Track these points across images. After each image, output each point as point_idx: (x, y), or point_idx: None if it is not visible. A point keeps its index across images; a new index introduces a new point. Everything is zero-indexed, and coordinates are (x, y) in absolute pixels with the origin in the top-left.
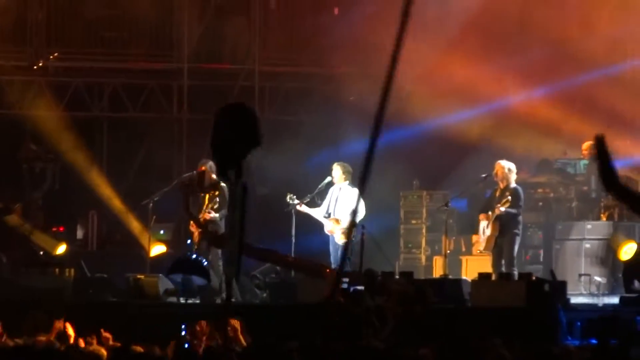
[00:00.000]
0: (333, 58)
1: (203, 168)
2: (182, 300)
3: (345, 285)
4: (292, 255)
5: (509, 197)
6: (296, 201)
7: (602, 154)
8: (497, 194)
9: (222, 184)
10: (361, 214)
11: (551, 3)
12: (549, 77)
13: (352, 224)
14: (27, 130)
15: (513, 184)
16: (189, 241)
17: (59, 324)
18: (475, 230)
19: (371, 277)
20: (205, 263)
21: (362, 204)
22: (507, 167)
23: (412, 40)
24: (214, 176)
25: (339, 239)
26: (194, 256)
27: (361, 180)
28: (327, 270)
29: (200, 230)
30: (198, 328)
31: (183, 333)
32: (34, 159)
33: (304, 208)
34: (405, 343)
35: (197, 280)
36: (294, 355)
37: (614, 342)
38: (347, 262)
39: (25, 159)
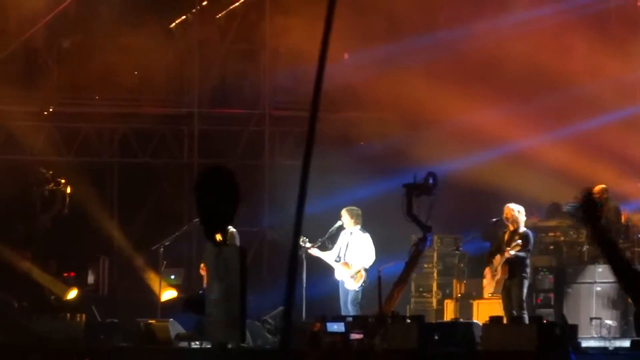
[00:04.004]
0: (343, 103)
1: None
2: (193, 345)
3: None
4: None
5: (519, 241)
6: (308, 244)
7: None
8: (507, 236)
9: (232, 229)
10: (371, 259)
11: (560, 49)
12: (559, 121)
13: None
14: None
15: (523, 228)
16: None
17: None
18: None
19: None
20: None
21: (371, 248)
22: (516, 210)
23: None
24: None
25: (349, 285)
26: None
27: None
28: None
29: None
30: None
31: None
32: (43, 182)
33: (315, 251)
34: None
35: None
36: None
37: None
38: (356, 306)
39: (35, 182)
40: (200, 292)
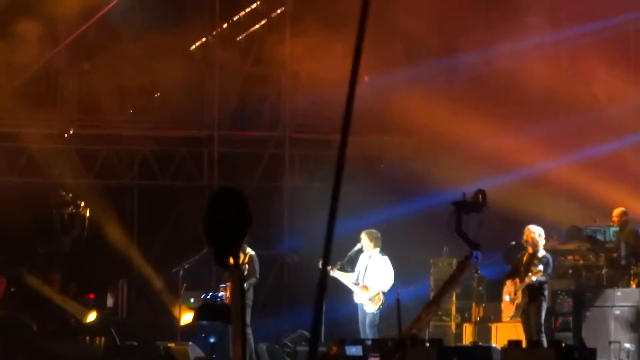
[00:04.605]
0: (363, 126)
1: None
2: None
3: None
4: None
5: (540, 267)
6: (328, 267)
7: None
8: (525, 259)
9: (252, 252)
10: (389, 282)
11: (578, 72)
12: (578, 144)
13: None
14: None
15: (542, 251)
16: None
17: None
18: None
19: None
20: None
21: (390, 271)
22: (537, 233)
23: (441, 109)
24: (244, 244)
25: (367, 308)
26: (218, 299)
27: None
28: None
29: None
30: None
31: None
32: (63, 205)
33: (335, 274)
34: None
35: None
36: None
37: None
38: (374, 329)
39: (54, 204)
40: (211, 297)
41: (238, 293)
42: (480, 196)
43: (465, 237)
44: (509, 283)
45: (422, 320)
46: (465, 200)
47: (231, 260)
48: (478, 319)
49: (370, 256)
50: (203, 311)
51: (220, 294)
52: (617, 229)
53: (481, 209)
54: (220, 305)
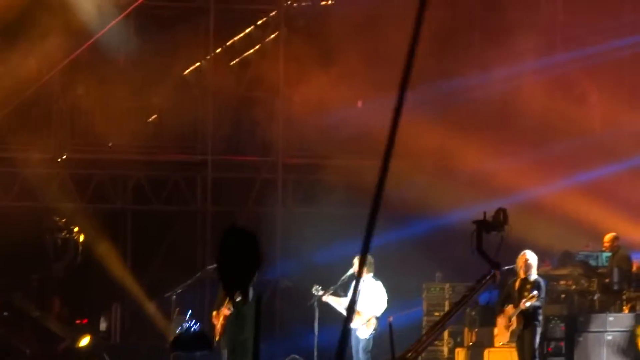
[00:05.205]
0: (355, 150)
1: None
2: None
3: None
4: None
5: (535, 292)
6: (321, 292)
7: None
8: (517, 284)
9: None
10: (382, 307)
11: (572, 97)
12: (571, 169)
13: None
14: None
15: (534, 276)
16: (187, 315)
17: None
18: (495, 322)
19: None
20: (201, 330)
21: (384, 296)
22: (532, 258)
23: (437, 133)
24: None
25: (360, 333)
26: (192, 329)
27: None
28: None
29: (222, 323)
30: None
31: None
32: (56, 230)
33: (328, 299)
34: None
35: (198, 354)
36: None
37: None
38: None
39: (48, 229)
40: (184, 327)
41: (243, 331)
42: (502, 214)
43: (486, 255)
44: (501, 309)
45: (424, 342)
46: (486, 220)
47: (236, 297)
48: (471, 344)
49: (363, 281)
50: (178, 344)
51: (193, 324)
52: (609, 254)
53: (502, 227)
54: (194, 334)
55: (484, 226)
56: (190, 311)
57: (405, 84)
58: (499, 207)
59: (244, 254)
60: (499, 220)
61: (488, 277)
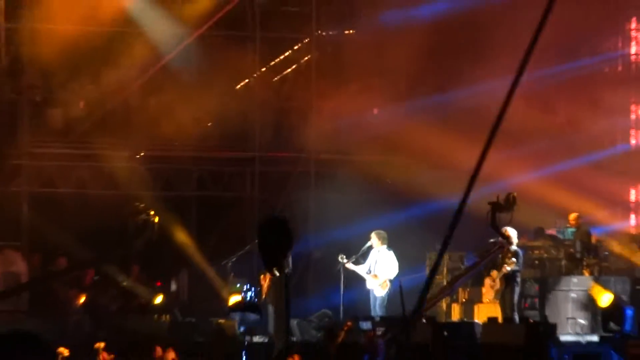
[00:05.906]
0: (371, 148)
1: None
2: (254, 340)
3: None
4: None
5: (513, 259)
6: (345, 260)
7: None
8: (502, 254)
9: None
10: (395, 271)
11: (543, 107)
12: (543, 163)
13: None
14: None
15: (515, 247)
16: (245, 287)
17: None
18: (483, 283)
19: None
20: (256, 301)
21: (395, 263)
22: (512, 233)
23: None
24: None
25: (377, 292)
26: (248, 298)
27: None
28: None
29: (268, 284)
30: None
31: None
32: (136, 213)
33: (350, 265)
34: None
35: (251, 316)
36: None
37: None
38: (383, 309)
39: (129, 213)
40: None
41: (283, 294)
42: (511, 197)
43: (498, 230)
44: (489, 272)
45: (433, 299)
46: (498, 202)
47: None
48: (464, 300)
49: (379, 251)
50: (235, 306)
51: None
52: (573, 229)
53: (512, 208)
54: (249, 301)
55: (497, 207)
56: (249, 284)
57: (523, 69)
58: (508, 192)
59: (278, 237)
60: (509, 202)
61: (497, 247)
